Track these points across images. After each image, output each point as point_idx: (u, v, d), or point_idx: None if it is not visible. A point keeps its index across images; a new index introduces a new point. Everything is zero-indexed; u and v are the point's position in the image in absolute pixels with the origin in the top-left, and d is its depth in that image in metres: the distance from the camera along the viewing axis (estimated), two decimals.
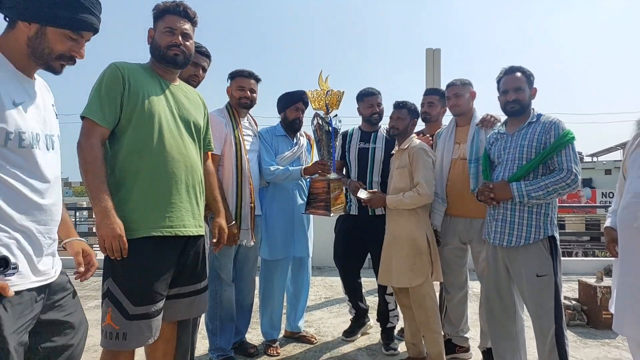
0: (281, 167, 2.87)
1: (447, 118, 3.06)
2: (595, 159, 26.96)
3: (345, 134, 3.14)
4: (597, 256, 8.69)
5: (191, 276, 1.92)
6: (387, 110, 2.77)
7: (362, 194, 2.76)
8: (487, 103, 2.94)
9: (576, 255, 10.71)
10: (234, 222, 2.53)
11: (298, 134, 3.08)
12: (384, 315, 3.03)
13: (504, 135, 2.35)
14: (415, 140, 2.69)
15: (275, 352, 2.94)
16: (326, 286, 4.87)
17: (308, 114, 3.03)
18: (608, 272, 4.68)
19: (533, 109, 2.31)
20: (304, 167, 2.88)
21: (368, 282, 3.27)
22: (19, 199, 1.17)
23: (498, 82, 2.35)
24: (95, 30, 1.32)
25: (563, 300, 2.26)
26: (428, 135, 2.96)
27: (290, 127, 3.01)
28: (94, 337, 2.72)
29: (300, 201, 2.98)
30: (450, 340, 2.83)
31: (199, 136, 2.01)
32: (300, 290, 3.18)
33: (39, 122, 1.23)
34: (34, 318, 1.23)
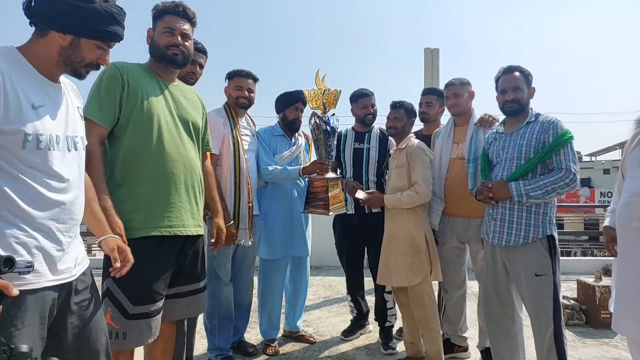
0: (279, 167, 2.87)
1: (445, 118, 3.07)
2: (593, 158, 26.99)
3: (339, 135, 3.16)
4: (596, 256, 8.71)
5: (190, 276, 1.93)
6: (385, 110, 2.77)
7: (360, 195, 2.78)
8: (485, 103, 2.94)
9: (575, 255, 10.73)
10: (232, 221, 2.53)
11: (296, 133, 3.09)
12: (382, 315, 3.04)
13: (502, 134, 2.35)
14: (413, 140, 2.69)
15: (273, 351, 2.94)
16: (325, 286, 4.87)
17: (305, 114, 3.04)
18: (606, 271, 4.70)
19: (531, 108, 2.31)
20: (302, 166, 2.89)
21: (365, 282, 3.28)
22: (37, 198, 1.19)
23: (496, 81, 2.35)
24: (121, 40, 1.37)
25: (562, 300, 2.26)
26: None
27: (290, 127, 3.02)
28: None
29: (298, 201, 2.98)
30: (449, 340, 2.83)
31: (198, 136, 2.01)
32: (298, 290, 3.18)
33: (59, 124, 1.27)
34: (51, 315, 1.24)
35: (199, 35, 2.01)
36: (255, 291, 3.06)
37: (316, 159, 2.87)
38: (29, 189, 1.18)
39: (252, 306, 3.01)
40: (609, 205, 2.19)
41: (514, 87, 2.26)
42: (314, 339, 3.19)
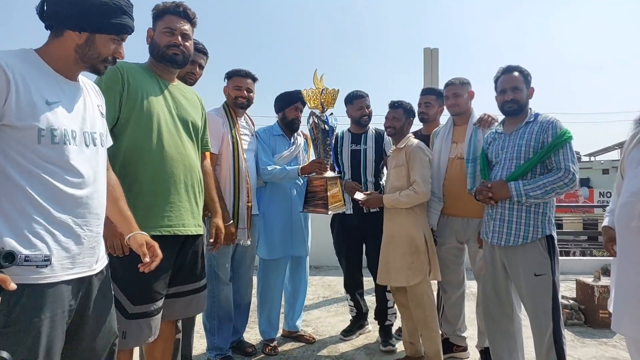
0: (278, 167, 2.87)
1: (444, 118, 3.07)
2: (592, 158, 27.01)
3: (335, 138, 3.18)
4: (595, 255, 8.72)
5: (190, 275, 1.93)
6: (386, 109, 2.77)
7: (359, 196, 2.79)
8: (485, 103, 2.94)
9: (574, 255, 10.74)
10: (231, 221, 2.53)
11: (295, 133, 3.09)
12: (382, 313, 3.05)
13: (501, 134, 2.35)
14: (412, 140, 2.69)
15: (273, 351, 2.93)
16: (324, 285, 4.87)
17: (304, 113, 3.04)
18: (605, 271, 4.70)
19: (530, 108, 2.31)
20: (300, 166, 2.89)
21: (365, 282, 3.28)
22: (54, 192, 1.22)
23: (495, 81, 2.35)
24: (132, 31, 1.41)
25: (560, 300, 2.26)
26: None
27: (289, 126, 3.02)
28: None
29: (298, 200, 2.98)
30: (448, 340, 2.83)
31: (197, 136, 2.01)
32: (298, 290, 3.18)
33: (75, 119, 1.30)
34: (71, 310, 1.26)
35: (198, 34, 2.02)
36: (254, 291, 3.06)
37: (315, 158, 2.87)
38: (45, 183, 1.21)
39: (251, 306, 3.00)
40: (608, 205, 2.19)
41: (513, 87, 2.26)
42: (313, 338, 3.19)
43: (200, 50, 2.40)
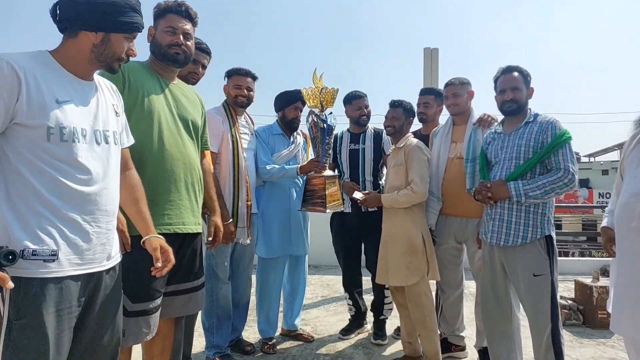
0: (277, 166, 2.87)
1: (444, 117, 3.07)
2: (592, 159, 27.02)
3: (335, 137, 3.20)
4: (594, 256, 8.72)
5: (188, 273, 1.93)
6: (384, 109, 2.78)
7: (358, 195, 2.81)
8: (484, 103, 2.94)
9: (573, 255, 10.74)
10: (230, 219, 2.53)
11: (295, 132, 3.09)
12: (378, 307, 3.10)
13: (500, 134, 2.35)
14: (411, 139, 2.69)
15: (271, 349, 2.94)
16: (323, 284, 4.88)
17: (304, 112, 3.04)
18: (604, 272, 4.70)
19: (530, 108, 2.31)
20: (299, 165, 2.89)
21: (364, 281, 3.29)
22: (62, 189, 1.25)
23: (495, 81, 2.35)
24: (143, 28, 1.44)
25: (559, 300, 2.27)
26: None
27: (289, 126, 3.02)
28: None
29: (296, 199, 2.98)
30: (446, 339, 2.83)
31: (197, 135, 2.02)
32: (296, 289, 3.18)
33: (86, 118, 1.32)
34: (79, 305, 1.28)
35: (198, 32, 2.02)
36: (253, 290, 3.06)
37: (314, 157, 2.88)
38: (54, 181, 1.24)
39: (250, 304, 3.01)
40: (607, 206, 2.19)
41: (513, 87, 2.26)
42: (312, 337, 3.19)
43: (204, 50, 2.40)
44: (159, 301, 1.78)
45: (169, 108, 1.87)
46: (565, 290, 4.25)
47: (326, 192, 2.71)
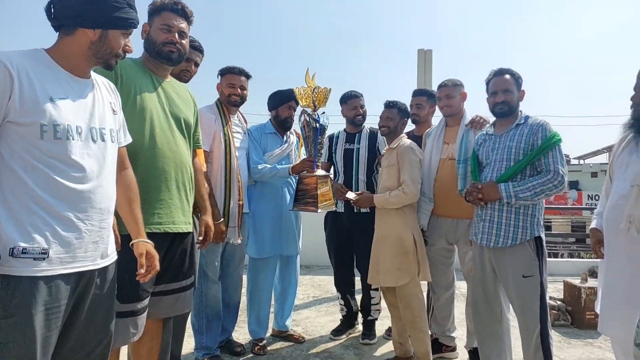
0: (268, 166, 2.86)
1: (436, 118, 3.09)
2: (581, 161, 27.36)
3: (331, 137, 3.23)
4: (582, 258, 8.82)
5: (177, 273, 1.91)
6: (378, 110, 2.78)
7: (350, 195, 2.81)
8: (477, 104, 2.95)
9: (562, 257, 10.86)
10: (222, 219, 2.51)
11: (288, 132, 3.08)
12: (366, 308, 3.12)
13: (492, 136, 2.37)
14: (404, 140, 2.70)
15: (262, 350, 2.92)
16: (314, 285, 4.87)
17: (297, 112, 3.04)
18: (592, 273, 4.75)
19: (521, 111, 2.33)
20: (291, 165, 2.88)
21: (356, 281, 3.29)
22: (55, 186, 1.24)
23: (487, 83, 2.37)
24: (138, 24, 1.44)
25: (548, 301, 2.28)
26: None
27: (282, 125, 3.01)
28: None
29: (288, 199, 2.97)
30: (437, 340, 2.84)
31: (189, 133, 2.00)
32: (287, 289, 3.17)
33: (81, 115, 1.32)
34: (68, 304, 1.27)
35: (192, 30, 2.00)
36: (244, 290, 3.04)
37: (305, 156, 2.87)
38: (47, 178, 1.23)
39: (240, 305, 2.99)
40: (596, 208, 2.21)
41: (504, 89, 2.28)
42: (303, 338, 3.18)
43: (197, 48, 2.39)
44: (146, 301, 1.76)
45: (162, 106, 1.86)
46: (554, 291, 4.29)
47: (318, 192, 2.71)
